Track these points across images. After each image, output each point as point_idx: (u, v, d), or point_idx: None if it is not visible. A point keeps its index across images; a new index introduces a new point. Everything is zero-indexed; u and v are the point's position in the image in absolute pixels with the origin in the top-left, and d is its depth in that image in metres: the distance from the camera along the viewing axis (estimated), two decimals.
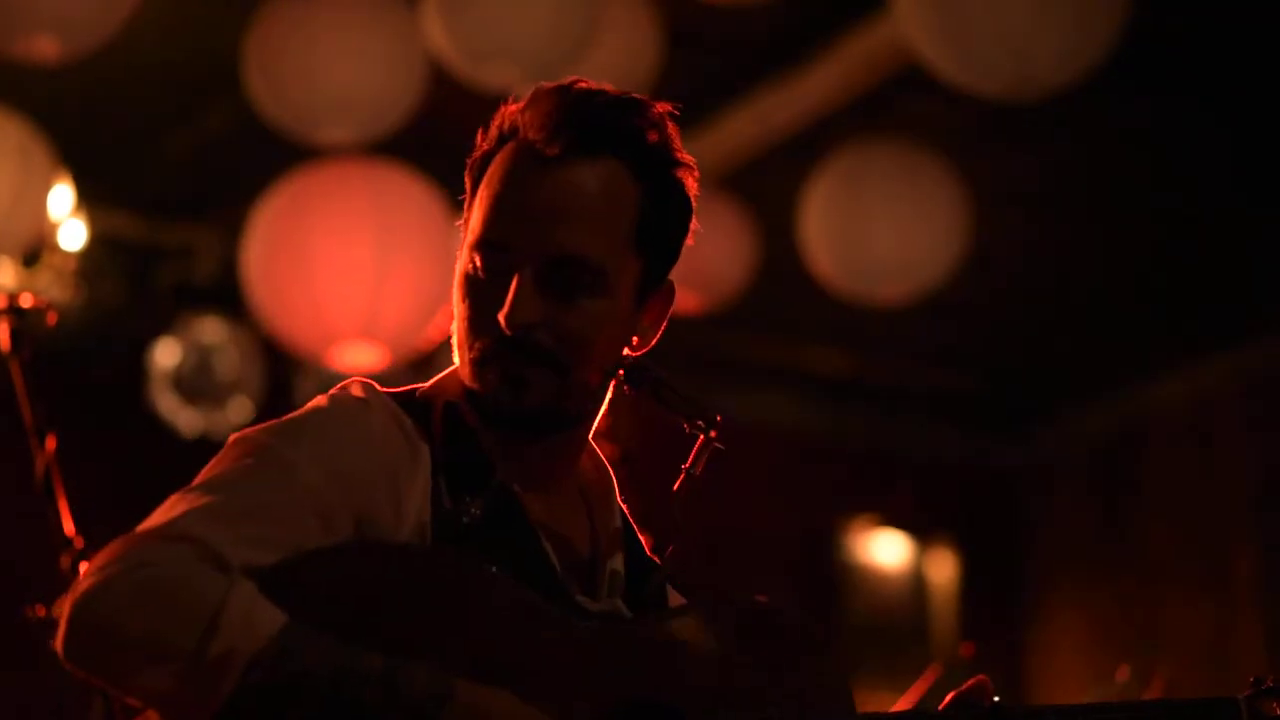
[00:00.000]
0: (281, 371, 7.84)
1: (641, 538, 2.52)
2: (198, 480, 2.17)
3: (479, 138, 2.41)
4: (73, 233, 6.99)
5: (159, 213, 7.83)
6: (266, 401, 7.81)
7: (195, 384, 7.77)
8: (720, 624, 2.30)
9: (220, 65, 6.11)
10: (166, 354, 7.80)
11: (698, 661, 2.26)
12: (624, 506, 2.50)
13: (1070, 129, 6.81)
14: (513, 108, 2.40)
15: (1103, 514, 9.61)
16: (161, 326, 7.85)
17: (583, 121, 2.35)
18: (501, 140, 2.39)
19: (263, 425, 2.24)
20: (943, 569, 10.04)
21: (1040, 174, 7.32)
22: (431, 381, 2.40)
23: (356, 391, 2.30)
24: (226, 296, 7.44)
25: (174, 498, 2.14)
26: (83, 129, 6.78)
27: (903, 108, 6.75)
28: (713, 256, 7.08)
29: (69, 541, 3.51)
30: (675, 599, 2.51)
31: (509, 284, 2.28)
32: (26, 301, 3.72)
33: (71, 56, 5.43)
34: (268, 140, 6.07)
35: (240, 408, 7.83)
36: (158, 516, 2.11)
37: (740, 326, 8.40)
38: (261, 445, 2.19)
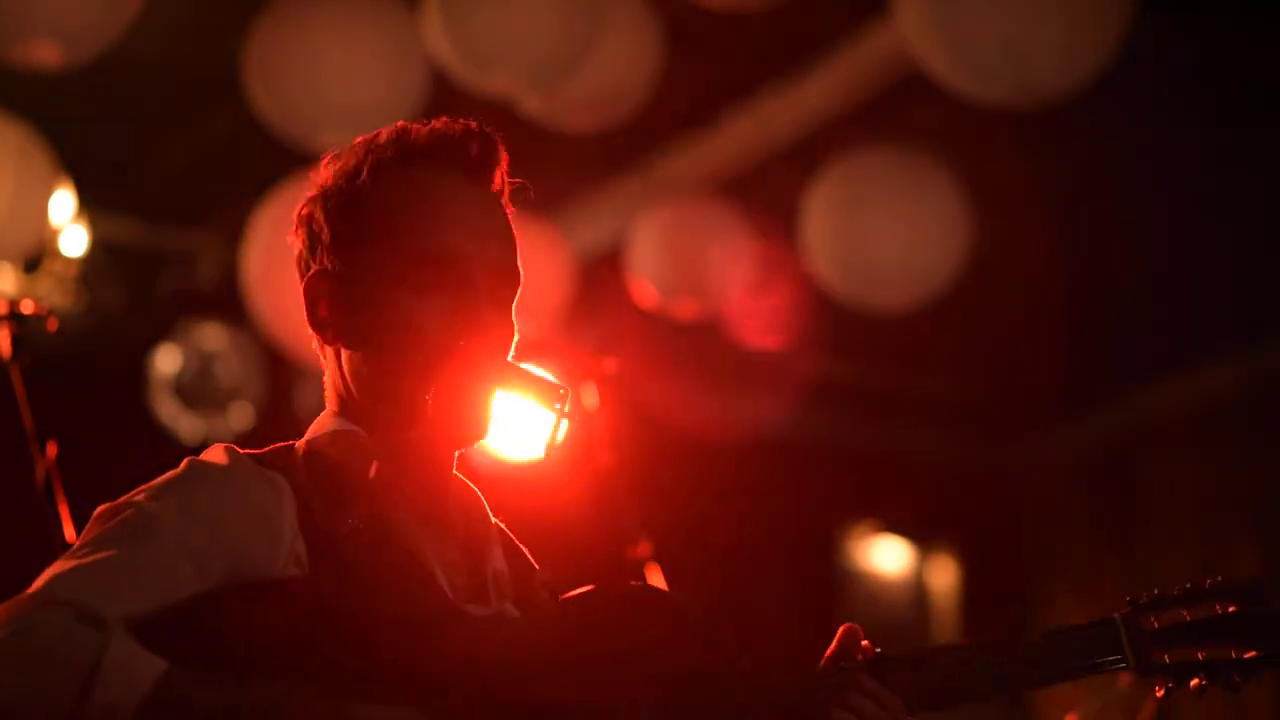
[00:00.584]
0: (282, 378, 7.83)
1: (523, 548, 2.57)
2: (74, 547, 2.22)
3: (332, 180, 2.52)
4: (74, 238, 6.98)
5: (160, 218, 7.83)
6: (267, 407, 7.80)
7: (196, 390, 7.76)
8: (600, 613, 2.35)
9: (222, 71, 6.11)
10: (167, 360, 7.79)
11: (579, 651, 2.30)
12: (499, 523, 2.56)
13: (1072, 134, 6.81)
14: (375, 143, 2.51)
15: (1104, 520, 9.60)
16: (162, 332, 7.85)
17: (492, 152, 2.51)
18: (374, 175, 2.49)
19: (128, 493, 2.30)
20: (944, 575, 10.04)
21: (1041, 179, 7.31)
22: (304, 439, 2.48)
23: (216, 451, 2.37)
24: (228, 302, 7.44)
25: (52, 566, 2.19)
26: (84, 135, 6.78)
27: (904, 113, 6.75)
28: (711, 262, 7.09)
29: (70, 547, 3.51)
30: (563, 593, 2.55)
31: (471, 305, 2.42)
32: (27, 307, 3.72)
33: (72, 62, 5.43)
34: (269, 146, 6.07)
35: (241, 414, 7.83)
36: (36, 584, 2.16)
37: (742, 331, 8.40)
38: (128, 507, 2.25)
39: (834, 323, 7.75)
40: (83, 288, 7.45)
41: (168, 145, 7.07)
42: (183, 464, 2.34)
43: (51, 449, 3.60)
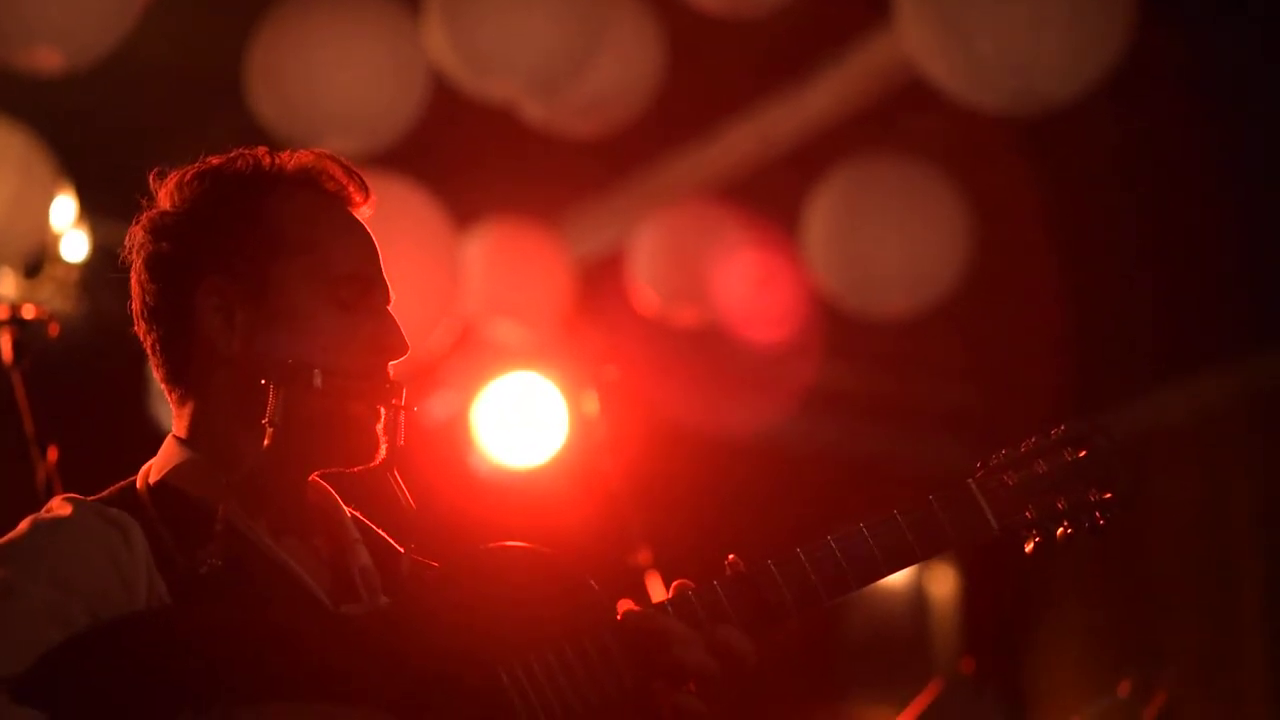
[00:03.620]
0: None
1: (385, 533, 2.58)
2: None
3: (192, 199, 2.58)
4: (75, 244, 6.98)
5: None
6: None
7: None
8: (475, 580, 2.37)
9: (224, 76, 6.11)
10: None
11: (461, 622, 2.32)
12: (355, 513, 2.56)
13: (1072, 143, 6.81)
14: (247, 166, 2.57)
15: (1105, 529, 9.57)
16: None
17: (363, 181, 2.58)
18: (266, 193, 2.52)
19: None
20: (943, 584, 10.03)
21: (1042, 187, 7.31)
22: (150, 472, 2.48)
23: (56, 504, 2.37)
24: None
25: None
26: (85, 140, 6.78)
27: (906, 121, 6.75)
28: (712, 269, 7.09)
29: None
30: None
31: (391, 325, 2.49)
32: (28, 313, 3.73)
33: (74, 67, 5.43)
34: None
35: None
36: None
37: (741, 338, 8.40)
38: None
39: (834, 329, 7.74)
40: (84, 293, 7.44)
41: (170, 150, 7.06)
42: (24, 523, 2.33)
43: (52, 454, 3.60)
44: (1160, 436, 9.20)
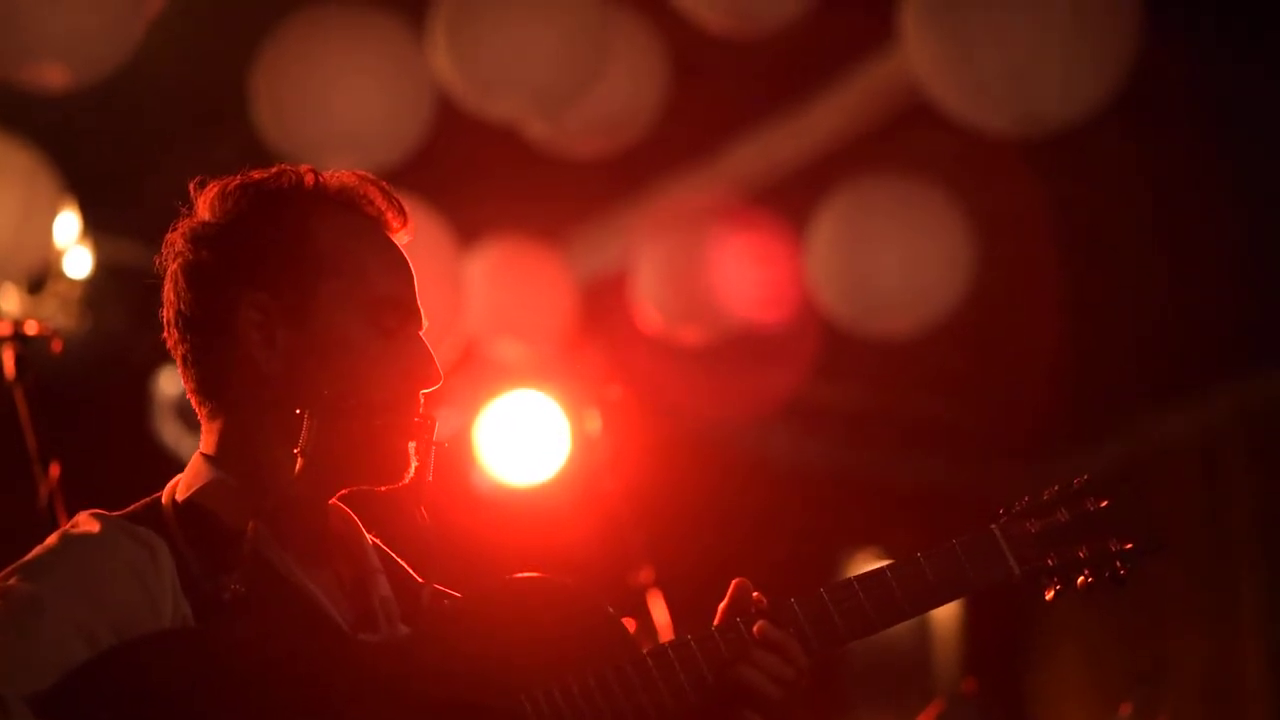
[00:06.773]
0: None
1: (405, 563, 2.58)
2: None
3: (234, 214, 2.53)
4: (78, 260, 6.98)
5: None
6: None
7: None
8: (495, 610, 2.38)
9: (228, 94, 6.12)
10: (171, 382, 7.79)
11: (482, 651, 2.33)
12: (377, 540, 2.56)
13: (1075, 163, 6.82)
14: (285, 184, 2.55)
15: None
16: (166, 355, 7.82)
17: (402, 206, 2.62)
18: (308, 214, 2.52)
19: (3, 571, 2.28)
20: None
21: (1045, 208, 7.32)
22: (176, 489, 2.45)
23: (84, 519, 2.36)
24: None
25: None
26: (89, 157, 6.78)
27: (909, 141, 6.76)
28: (715, 288, 7.09)
29: None
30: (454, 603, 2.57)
31: (426, 351, 2.49)
32: (32, 328, 3.73)
33: (79, 84, 5.44)
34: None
35: None
36: None
37: (743, 358, 8.40)
38: (6, 590, 2.23)
39: (836, 347, 7.74)
40: (87, 309, 7.44)
41: (173, 168, 7.06)
42: (54, 537, 2.33)
43: (55, 470, 3.60)
44: (1161, 455, 9.20)
